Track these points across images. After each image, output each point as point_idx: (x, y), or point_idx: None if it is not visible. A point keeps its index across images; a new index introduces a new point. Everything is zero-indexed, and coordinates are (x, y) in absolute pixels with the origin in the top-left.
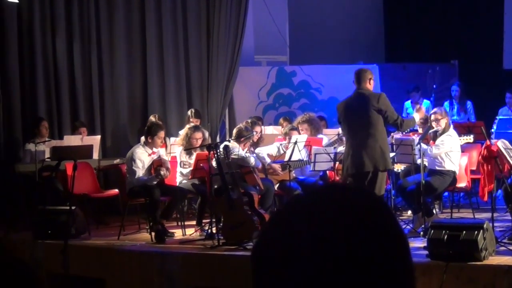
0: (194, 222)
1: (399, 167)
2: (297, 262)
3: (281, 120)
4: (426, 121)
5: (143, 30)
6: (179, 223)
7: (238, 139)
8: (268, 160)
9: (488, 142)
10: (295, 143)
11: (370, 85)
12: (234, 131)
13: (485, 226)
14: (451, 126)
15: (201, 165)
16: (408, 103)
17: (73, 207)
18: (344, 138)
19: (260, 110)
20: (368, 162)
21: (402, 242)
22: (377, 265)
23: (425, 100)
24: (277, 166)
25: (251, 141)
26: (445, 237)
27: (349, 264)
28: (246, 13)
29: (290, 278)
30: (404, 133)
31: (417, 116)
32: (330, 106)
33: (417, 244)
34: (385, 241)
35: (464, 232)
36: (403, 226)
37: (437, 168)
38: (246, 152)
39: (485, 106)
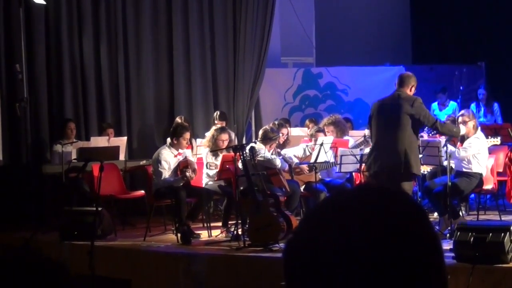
0: (220, 224)
1: (425, 169)
2: (328, 263)
3: (307, 122)
4: (453, 123)
5: (169, 32)
6: (205, 225)
7: (264, 140)
8: (295, 160)
9: None
10: (321, 144)
11: (411, 92)
12: (260, 132)
13: (511, 228)
14: (479, 128)
15: (227, 166)
16: (434, 105)
17: (99, 208)
18: (370, 140)
19: (286, 111)
20: (389, 162)
21: (436, 246)
22: (410, 268)
23: (451, 102)
24: (304, 166)
25: (276, 142)
26: (471, 239)
27: (382, 267)
28: (273, 15)
29: (322, 279)
30: (431, 134)
31: (463, 129)
32: (356, 108)
33: (443, 246)
34: (419, 244)
35: (491, 234)
36: None
37: (464, 170)
38: (272, 154)
39: None
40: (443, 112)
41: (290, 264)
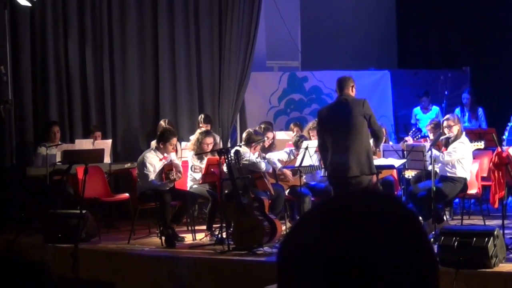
0: (204, 227)
1: (410, 174)
2: (320, 267)
3: (291, 126)
4: (437, 127)
5: (155, 35)
6: (189, 228)
7: (248, 143)
8: (279, 165)
9: (499, 149)
10: (306, 148)
11: (353, 92)
12: (244, 135)
13: (495, 233)
14: (464, 133)
15: (212, 170)
16: (417, 109)
17: (83, 211)
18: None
19: (271, 115)
20: (355, 167)
21: (430, 252)
22: (402, 274)
23: (434, 106)
24: (288, 172)
25: (261, 145)
26: (456, 244)
27: (374, 272)
28: (258, 18)
29: (314, 282)
30: (415, 139)
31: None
32: None
33: None
34: (412, 249)
35: (475, 239)
36: None
37: (449, 174)
38: (257, 158)
39: (497, 112)
40: (426, 116)
41: (283, 266)
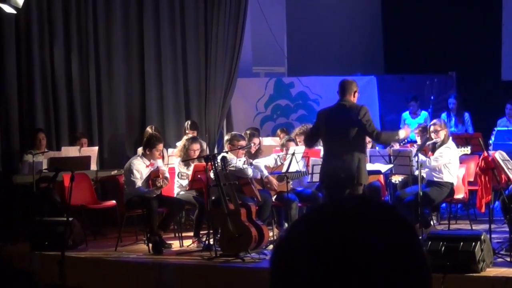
0: (191, 234)
1: (396, 178)
2: (314, 271)
3: (278, 131)
4: (424, 131)
5: (141, 41)
6: (177, 235)
7: (230, 143)
8: (265, 172)
9: (485, 154)
10: (293, 154)
11: (354, 98)
12: (227, 136)
13: (482, 237)
14: (450, 138)
15: (198, 176)
16: (406, 114)
17: (70, 218)
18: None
19: (258, 121)
20: (344, 174)
21: (425, 263)
22: (397, 281)
23: (423, 111)
24: (274, 180)
25: (245, 149)
26: (443, 248)
27: (369, 277)
28: (244, 24)
29: (307, 283)
30: (402, 144)
31: (402, 133)
32: None
33: None
34: (408, 256)
35: (462, 243)
36: None
37: (435, 179)
38: (243, 164)
39: (483, 117)
40: (414, 121)
41: (276, 273)
